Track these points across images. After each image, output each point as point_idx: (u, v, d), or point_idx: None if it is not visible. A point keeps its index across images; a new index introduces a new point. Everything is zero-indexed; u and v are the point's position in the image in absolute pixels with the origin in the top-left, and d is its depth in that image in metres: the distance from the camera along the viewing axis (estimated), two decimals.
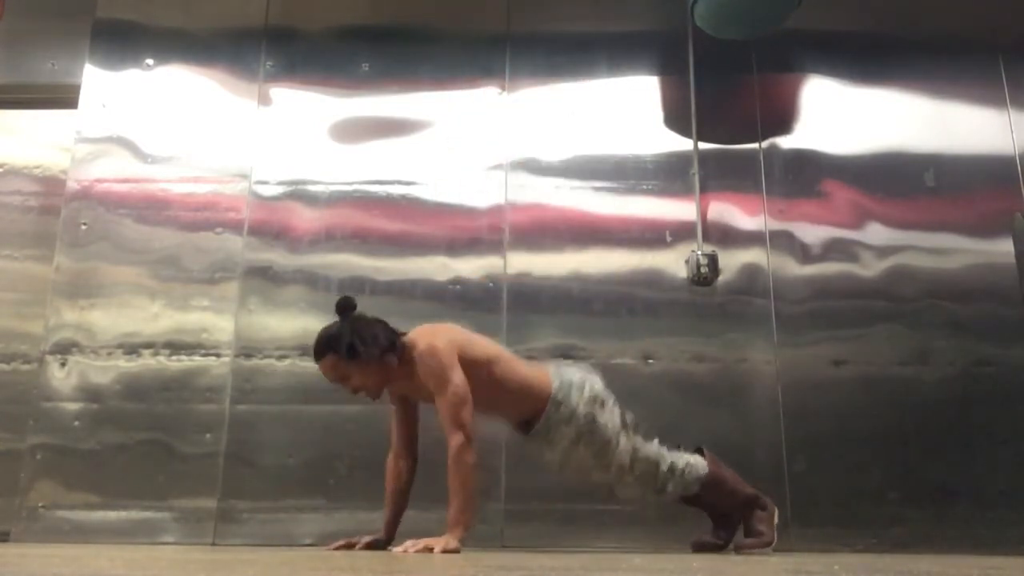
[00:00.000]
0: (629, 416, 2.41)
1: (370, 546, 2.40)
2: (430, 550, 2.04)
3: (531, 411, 2.37)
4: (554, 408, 2.33)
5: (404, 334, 2.34)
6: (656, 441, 2.45)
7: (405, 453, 2.45)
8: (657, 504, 2.57)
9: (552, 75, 3.54)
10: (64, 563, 1.45)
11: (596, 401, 2.36)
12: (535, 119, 3.49)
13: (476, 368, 2.27)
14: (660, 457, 2.40)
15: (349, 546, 2.41)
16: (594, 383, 2.40)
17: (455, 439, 2.16)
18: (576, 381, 2.37)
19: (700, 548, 2.54)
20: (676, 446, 2.50)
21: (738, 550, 2.44)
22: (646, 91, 3.53)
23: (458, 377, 2.20)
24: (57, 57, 3.64)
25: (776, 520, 2.48)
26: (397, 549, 2.14)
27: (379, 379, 2.30)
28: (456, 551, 2.07)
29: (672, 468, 2.40)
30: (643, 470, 2.38)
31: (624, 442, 2.36)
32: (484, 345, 2.36)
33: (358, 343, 2.23)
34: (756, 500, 2.48)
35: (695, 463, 2.44)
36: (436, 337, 2.26)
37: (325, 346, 2.27)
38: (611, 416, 2.36)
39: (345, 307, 2.32)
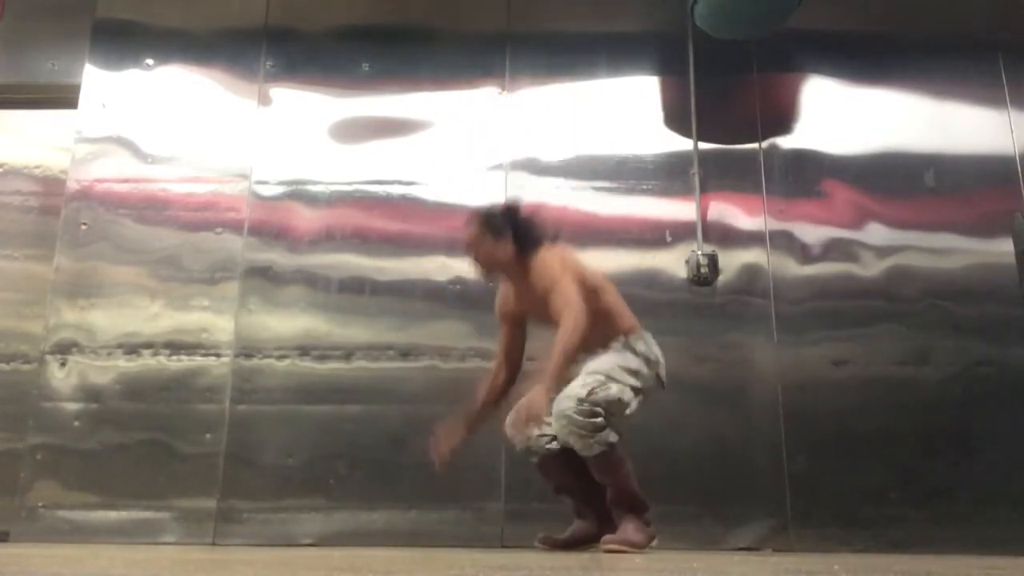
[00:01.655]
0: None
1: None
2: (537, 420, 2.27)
3: (600, 343, 2.46)
4: (630, 348, 2.46)
5: (552, 245, 2.51)
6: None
7: (507, 367, 2.61)
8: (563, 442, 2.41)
9: (552, 75, 3.54)
10: (64, 563, 1.45)
11: (643, 389, 2.43)
12: (535, 119, 3.49)
13: (590, 292, 2.43)
14: (623, 409, 2.38)
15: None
16: (656, 389, 2.50)
17: (568, 322, 2.28)
18: (636, 366, 2.44)
19: (550, 544, 2.50)
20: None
21: (604, 546, 2.31)
22: (646, 91, 3.53)
23: (568, 281, 2.36)
24: (57, 57, 3.64)
25: (654, 544, 2.36)
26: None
27: (505, 263, 2.49)
28: (543, 401, 2.22)
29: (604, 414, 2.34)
30: (608, 398, 2.34)
31: (627, 377, 2.39)
32: (599, 275, 2.56)
33: (506, 227, 2.48)
34: (644, 505, 2.37)
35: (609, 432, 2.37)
36: (561, 254, 2.48)
37: (478, 216, 2.55)
38: (632, 395, 2.39)
39: (515, 207, 2.59)
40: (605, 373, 2.36)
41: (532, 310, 2.52)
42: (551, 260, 2.43)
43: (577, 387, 2.32)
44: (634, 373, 2.42)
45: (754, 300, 3.24)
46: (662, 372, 2.52)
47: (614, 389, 2.34)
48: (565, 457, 2.42)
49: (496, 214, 2.53)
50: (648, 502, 2.38)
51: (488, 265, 2.52)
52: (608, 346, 2.45)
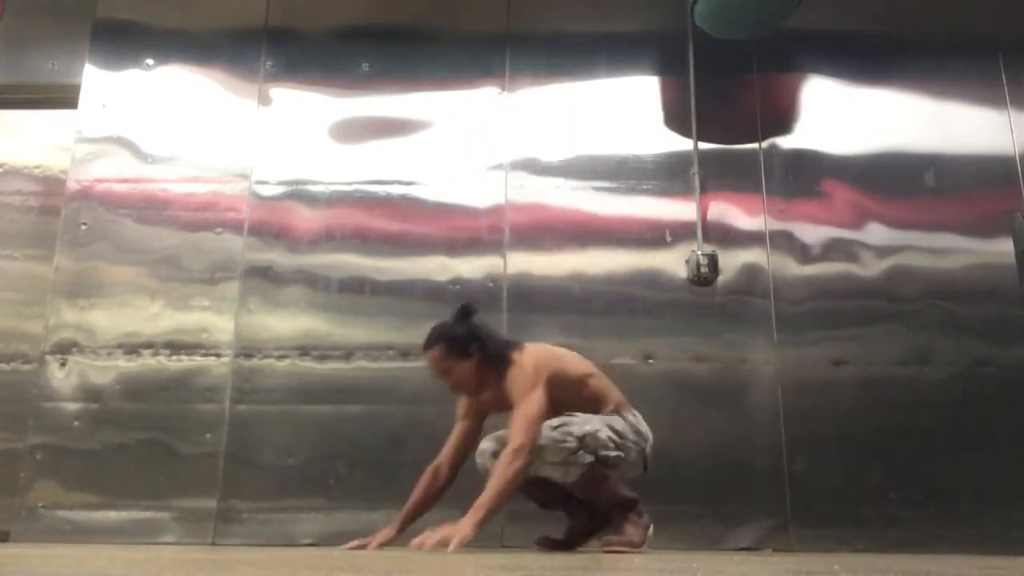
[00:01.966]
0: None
1: (382, 546, 2.41)
2: (445, 545, 2.06)
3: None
4: (605, 413, 2.41)
5: (520, 347, 2.43)
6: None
7: (450, 465, 2.50)
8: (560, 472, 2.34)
9: (552, 75, 3.54)
10: (64, 563, 1.45)
11: (611, 438, 2.35)
12: (535, 119, 3.49)
13: (572, 383, 2.42)
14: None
15: (361, 547, 2.42)
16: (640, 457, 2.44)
17: (516, 441, 2.22)
18: (622, 427, 2.40)
19: (548, 545, 2.50)
20: None
21: (605, 546, 2.33)
22: (646, 91, 3.53)
23: (539, 395, 2.29)
24: (57, 57, 3.64)
25: (650, 533, 2.38)
26: (415, 541, 2.15)
27: (477, 381, 2.41)
28: (467, 538, 2.09)
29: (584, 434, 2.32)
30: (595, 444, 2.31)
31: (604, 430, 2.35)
32: (577, 363, 2.50)
33: (469, 344, 2.38)
34: (633, 502, 2.38)
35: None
36: (538, 356, 2.40)
37: (438, 338, 2.41)
38: (600, 442, 2.33)
39: (467, 311, 2.46)
40: (583, 419, 2.34)
41: (505, 406, 2.40)
42: (526, 367, 2.34)
43: (550, 424, 2.30)
44: (618, 433, 2.36)
45: (754, 300, 3.24)
46: (648, 449, 2.46)
47: (589, 427, 2.31)
48: (539, 480, 2.35)
49: (458, 335, 2.40)
50: (636, 496, 2.38)
51: (464, 386, 2.43)
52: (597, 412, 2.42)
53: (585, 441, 2.28)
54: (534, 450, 2.23)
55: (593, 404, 2.43)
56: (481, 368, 2.39)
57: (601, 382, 2.50)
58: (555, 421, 2.31)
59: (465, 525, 2.11)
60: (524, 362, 2.36)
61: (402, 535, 2.44)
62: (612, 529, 2.36)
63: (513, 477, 2.19)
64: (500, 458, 2.24)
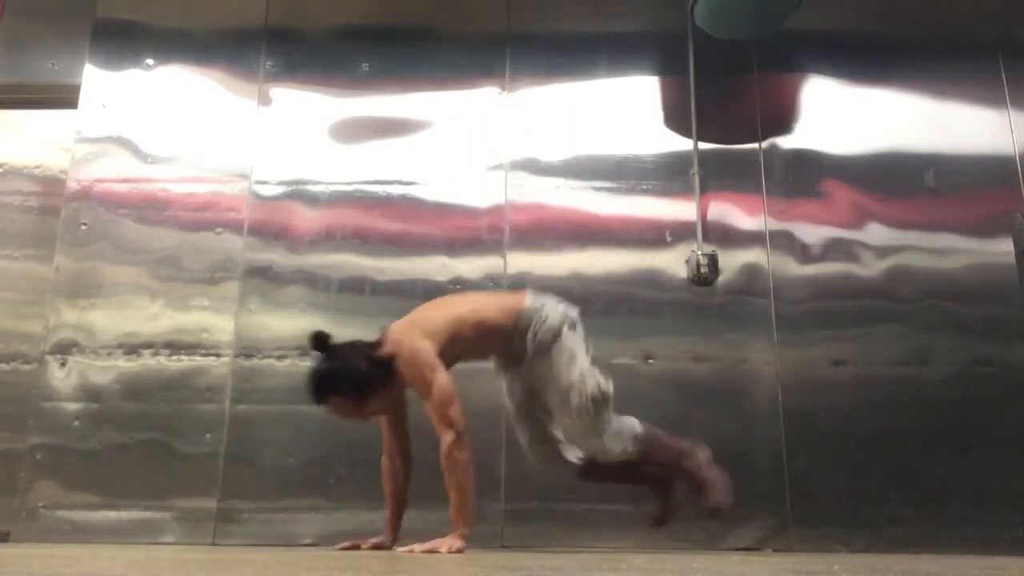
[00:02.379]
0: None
1: (376, 547, 2.40)
2: (436, 551, 2.04)
3: (518, 339, 2.36)
4: (527, 322, 2.34)
5: (378, 342, 2.32)
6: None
7: (398, 452, 2.46)
8: (587, 454, 2.39)
9: (552, 75, 3.54)
10: (64, 563, 1.45)
11: (568, 320, 2.37)
12: (535, 119, 3.48)
13: (455, 336, 2.30)
14: (608, 396, 2.31)
15: (354, 547, 2.41)
16: (570, 310, 2.42)
17: (446, 437, 2.18)
18: (552, 301, 2.41)
19: (660, 521, 2.51)
20: None
21: (714, 514, 2.37)
22: (646, 91, 3.53)
23: (441, 377, 2.22)
24: (57, 57, 3.64)
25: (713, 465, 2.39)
26: (402, 550, 2.14)
27: (387, 399, 2.34)
28: (461, 551, 2.07)
29: (613, 418, 2.32)
30: (592, 394, 2.27)
31: (585, 361, 2.33)
32: (451, 313, 2.36)
33: (361, 378, 2.25)
34: (692, 451, 2.39)
35: (628, 421, 2.36)
36: (413, 338, 2.26)
37: (327, 390, 2.28)
38: (579, 339, 2.36)
39: (322, 344, 2.30)
40: (565, 343, 2.32)
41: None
42: (410, 360, 2.23)
43: (567, 381, 2.29)
44: (564, 318, 2.36)
45: (754, 300, 3.24)
46: (573, 311, 2.43)
47: (576, 343, 2.33)
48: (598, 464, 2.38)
49: (335, 376, 2.26)
50: (695, 447, 2.40)
51: (381, 409, 2.37)
52: (524, 329, 2.34)
53: (594, 398, 2.28)
54: (467, 431, 2.19)
55: (499, 330, 2.35)
56: (380, 387, 2.28)
57: (480, 310, 2.37)
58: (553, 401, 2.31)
59: (455, 541, 2.10)
60: (404, 355, 2.24)
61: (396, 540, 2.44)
62: (692, 485, 2.38)
63: (464, 469, 2.17)
64: (443, 460, 2.17)
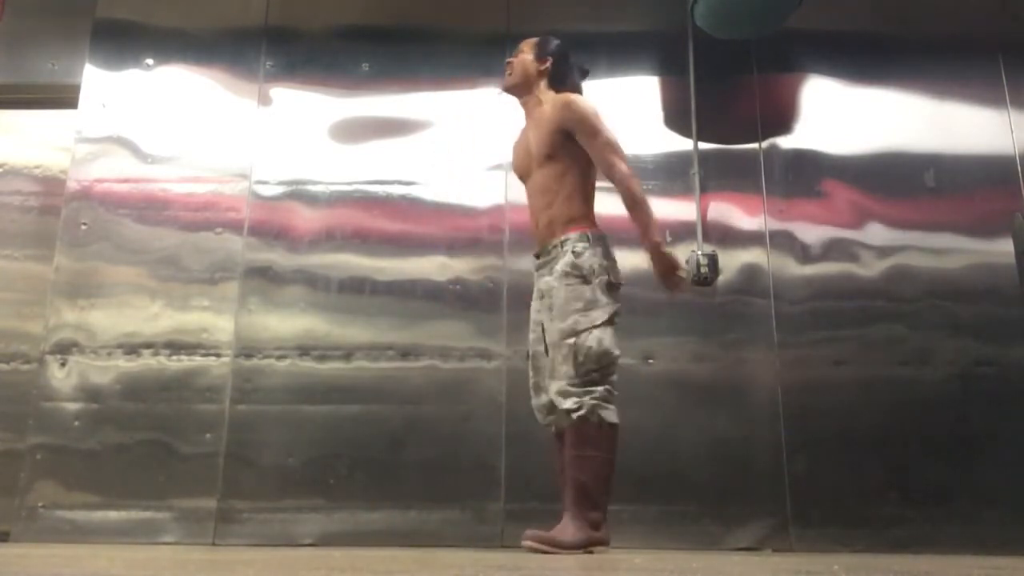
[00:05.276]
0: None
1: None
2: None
3: (567, 228, 2.42)
4: (580, 241, 2.37)
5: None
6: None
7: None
8: (562, 408, 2.24)
9: None
10: (64, 563, 1.45)
11: (609, 272, 2.35)
12: None
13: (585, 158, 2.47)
14: (610, 359, 2.26)
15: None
16: (617, 271, 2.41)
17: (619, 169, 2.38)
18: (609, 250, 2.41)
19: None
20: None
21: (524, 542, 2.19)
22: (646, 91, 3.53)
23: (608, 128, 2.43)
24: (57, 57, 3.64)
25: (595, 552, 2.19)
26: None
27: (527, 74, 2.60)
28: (666, 255, 2.32)
29: (593, 388, 2.22)
30: (590, 347, 2.22)
31: (601, 315, 2.28)
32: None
33: (550, 48, 2.62)
34: (602, 518, 2.21)
35: (605, 410, 2.22)
36: (591, 104, 2.51)
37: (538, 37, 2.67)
38: (608, 300, 2.32)
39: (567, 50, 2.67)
40: (588, 289, 2.29)
41: (525, 164, 2.56)
42: (587, 107, 2.45)
43: (572, 321, 2.26)
44: (606, 270, 2.34)
45: (754, 300, 3.24)
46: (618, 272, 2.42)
47: (600, 293, 2.29)
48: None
49: (552, 43, 2.63)
50: (606, 531, 2.21)
51: (516, 76, 2.60)
52: (571, 238, 2.38)
53: (601, 362, 2.24)
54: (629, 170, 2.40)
55: (584, 199, 2.48)
56: (543, 74, 2.59)
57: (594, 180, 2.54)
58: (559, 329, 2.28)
59: (656, 250, 2.31)
60: (586, 103, 2.48)
61: None
62: (559, 527, 2.20)
63: (640, 190, 2.40)
64: (622, 193, 2.37)
